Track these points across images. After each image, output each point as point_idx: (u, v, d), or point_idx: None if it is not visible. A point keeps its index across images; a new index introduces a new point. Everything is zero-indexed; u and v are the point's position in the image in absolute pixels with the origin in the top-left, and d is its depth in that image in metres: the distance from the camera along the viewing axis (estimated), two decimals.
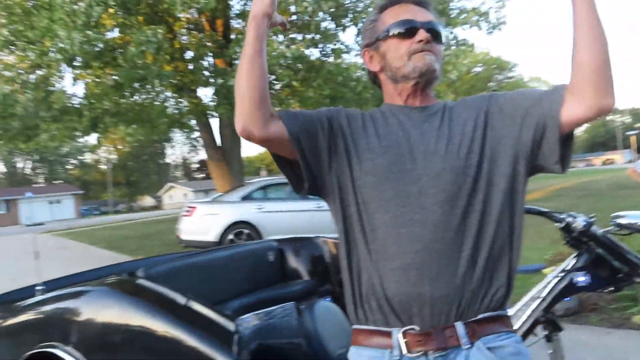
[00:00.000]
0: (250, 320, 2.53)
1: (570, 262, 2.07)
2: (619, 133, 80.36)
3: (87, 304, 2.00)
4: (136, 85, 10.18)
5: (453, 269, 1.03)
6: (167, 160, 73.87)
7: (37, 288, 2.31)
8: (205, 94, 34.06)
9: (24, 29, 8.81)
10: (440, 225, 1.04)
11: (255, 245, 3.03)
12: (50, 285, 2.39)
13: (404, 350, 1.04)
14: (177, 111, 13.32)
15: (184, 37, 11.63)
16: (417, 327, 1.04)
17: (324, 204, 9.55)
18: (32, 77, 9.67)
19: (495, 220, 1.06)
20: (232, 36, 11.36)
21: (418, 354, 1.03)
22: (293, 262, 3.09)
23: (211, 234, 9.10)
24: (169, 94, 12.80)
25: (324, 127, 1.16)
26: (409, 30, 1.16)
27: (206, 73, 10.99)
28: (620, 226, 1.99)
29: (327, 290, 2.94)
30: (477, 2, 14.02)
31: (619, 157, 77.29)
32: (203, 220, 9.27)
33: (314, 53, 11.27)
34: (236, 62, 11.24)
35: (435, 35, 1.17)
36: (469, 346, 1.02)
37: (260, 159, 69.02)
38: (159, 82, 8.98)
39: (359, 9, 11.05)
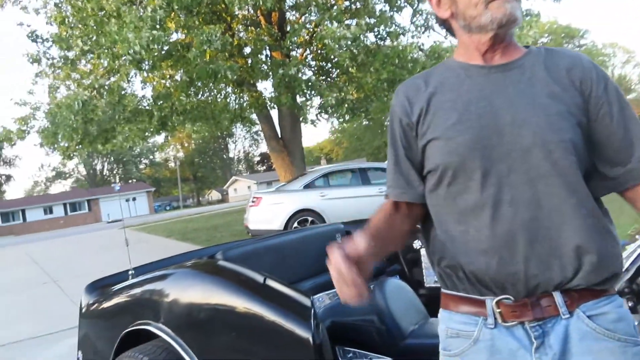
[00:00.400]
0: (322, 300, 2.64)
1: None
2: None
3: (173, 285, 2.17)
4: (199, 83, 10.60)
5: (549, 247, 0.98)
6: (231, 154, 76.01)
7: (130, 272, 2.52)
8: (265, 87, 34.80)
9: (97, 36, 9.39)
10: (531, 205, 0.98)
11: (323, 228, 3.13)
12: (139, 270, 2.61)
13: (499, 320, 1.01)
14: (237, 106, 13.73)
15: (242, 34, 11.91)
16: (511, 298, 1.00)
17: (385, 189, 9.79)
18: (107, 82, 10.28)
19: (583, 199, 1.00)
20: (288, 28, 11.52)
21: (513, 323, 1.00)
22: None
23: (277, 223, 9.36)
24: (229, 89, 13.22)
25: (415, 152, 1.12)
26: None
27: (264, 67, 11.23)
28: None
29: (396, 270, 2.99)
30: None
31: None
32: (269, 209, 9.55)
33: (369, 37, 11.23)
34: (292, 52, 11.42)
35: None
36: (567, 315, 0.98)
37: (320, 148, 69.57)
38: (230, 77, 9.26)
39: None
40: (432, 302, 2.55)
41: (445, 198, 1.07)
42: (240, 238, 11.44)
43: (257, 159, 78.71)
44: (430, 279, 2.87)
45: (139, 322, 2.14)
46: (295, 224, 9.32)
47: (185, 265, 2.29)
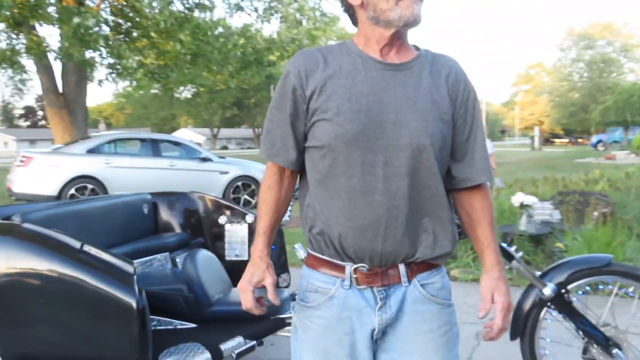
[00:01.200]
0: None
1: None
2: None
3: None
4: None
5: (404, 230, 1.16)
6: None
7: None
8: (50, 33, 30.52)
9: None
10: (398, 195, 1.14)
11: (130, 198, 3.05)
12: None
13: (354, 283, 1.19)
14: (9, 47, 11.75)
15: None
16: (366, 266, 1.18)
17: (177, 163, 9.37)
18: None
19: (438, 193, 1.19)
20: None
21: (364, 287, 1.19)
22: (167, 215, 3.18)
23: (50, 188, 8.41)
24: (1, 26, 11.22)
25: (297, 120, 1.20)
26: None
27: (52, 10, 9.87)
28: None
29: (200, 242, 3.11)
30: None
31: None
32: (41, 172, 8.51)
33: (176, 5, 10.80)
34: (87, 1, 10.29)
35: None
36: (407, 284, 1.19)
37: (99, 111, 63.47)
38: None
39: None
40: (232, 274, 2.77)
41: (325, 175, 1.18)
42: (0, 200, 9.92)
43: (20, 112, 67.86)
44: (230, 252, 3.07)
45: None
46: (72, 191, 8.51)
47: None
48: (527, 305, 2.27)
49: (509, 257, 2.21)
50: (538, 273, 2.27)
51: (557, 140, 48.68)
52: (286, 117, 1.20)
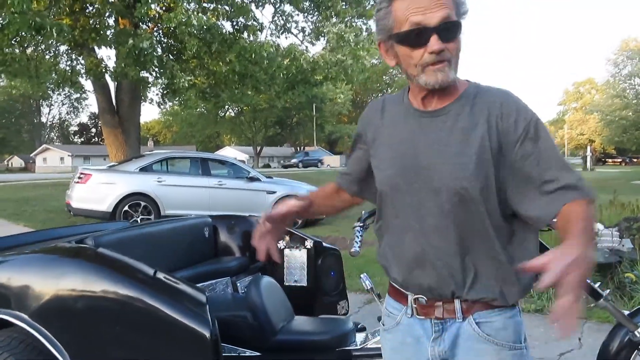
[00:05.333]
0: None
1: None
2: None
3: (40, 271, 1.97)
4: (26, 34, 9.25)
5: (446, 268, 1.19)
6: (43, 119, 67.18)
7: None
8: (108, 55, 31.91)
9: None
10: (434, 235, 1.19)
11: (192, 221, 3.08)
12: None
13: (414, 313, 1.27)
14: (69, 68, 12.35)
15: None
16: (425, 298, 1.25)
17: (225, 182, 9.49)
18: None
19: (481, 234, 1.18)
20: None
21: (423, 317, 1.26)
22: (227, 238, 3.19)
23: (105, 204, 8.68)
24: (63, 49, 11.82)
25: (364, 161, 1.38)
26: (420, 38, 1.13)
27: (109, 33, 10.32)
28: None
29: (259, 267, 3.09)
30: None
31: None
32: (97, 188, 8.79)
33: (226, 27, 11.07)
34: (143, 25, 10.71)
35: (449, 32, 1.13)
36: (461, 320, 1.22)
37: (147, 128, 65.66)
38: (58, 36, 8.24)
39: None
40: (291, 299, 2.74)
41: (381, 213, 1.33)
42: (58, 216, 10.33)
43: (75, 129, 71.17)
44: (290, 277, 3.04)
45: None
46: (126, 208, 8.75)
47: (52, 250, 2.08)
48: (615, 346, 2.12)
49: (595, 294, 2.07)
50: (627, 312, 2.12)
51: (610, 160, 46.71)
52: (355, 153, 1.42)
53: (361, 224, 2.17)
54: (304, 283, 2.94)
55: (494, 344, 1.21)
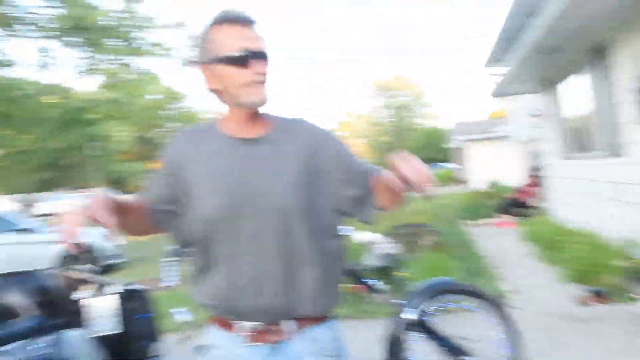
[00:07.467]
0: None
1: None
2: None
3: None
4: None
5: (280, 288, 1.25)
6: None
7: None
8: None
9: None
10: (270, 255, 1.24)
11: None
12: None
13: (247, 341, 1.27)
14: None
15: None
16: (262, 323, 1.27)
17: (26, 238, 8.28)
18: None
19: (309, 253, 1.27)
20: None
21: (260, 343, 1.27)
22: (15, 298, 2.83)
23: None
24: None
25: (168, 194, 1.33)
26: (246, 60, 1.25)
27: None
28: None
29: (62, 324, 2.82)
30: (161, 38, 14.72)
31: None
32: None
33: None
34: None
35: (266, 60, 1.29)
36: (296, 339, 1.28)
37: None
38: None
39: (34, 22, 10.05)
40: (110, 348, 2.56)
41: (202, 247, 1.29)
42: None
43: None
44: (97, 327, 2.83)
45: None
46: None
47: None
48: (393, 331, 2.56)
49: (370, 289, 2.49)
50: (397, 301, 2.58)
51: None
52: (162, 181, 1.35)
53: (175, 258, 2.19)
54: (121, 329, 2.78)
55: (326, 356, 1.31)
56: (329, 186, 1.33)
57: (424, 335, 2.64)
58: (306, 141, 1.33)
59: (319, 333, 1.31)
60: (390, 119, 56.87)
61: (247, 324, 1.28)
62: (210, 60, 1.28)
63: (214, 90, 1.33)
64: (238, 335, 1.29)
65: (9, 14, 9.73)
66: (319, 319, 1.31)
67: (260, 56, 1.27)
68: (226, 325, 1.30)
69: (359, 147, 65.79)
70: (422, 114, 57.27)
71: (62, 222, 1.15)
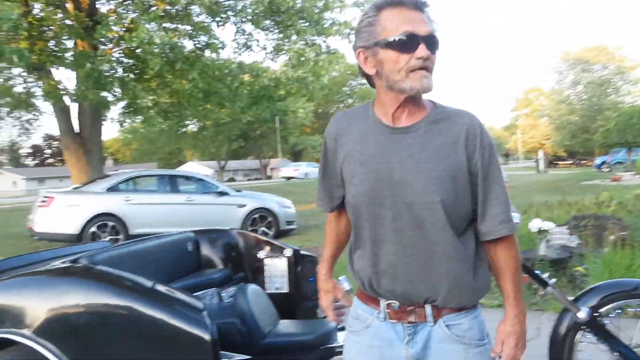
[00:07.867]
0: None
1: None
2: None
3: (41, 291, 2.09)
4: None
5: (417, 276, 1.29)
6: None
7: None
8: (68, 77, 31.31)
9: None
10: (408, 245, 1.28)
11: (176, 237, 3.22)
12: None
13: (387, 317, 1.34)
14: (25, 91, 12.15)
15: (42, 13, 10.63)
16: (397, 303, 1.33)
17: (194, 198, 9.48)
18: None
19: (447, 247, 1.27)
20: (99, 18, 10.72)
21: (395, 321, 1.34)
22: (209, 252, 3.35)
23: (72, 226, 8.59)
24: (16, 71, 11.61)
25: (335, 176, 1.41)
26: (410, 44, 1.22)
27: (67, 55, 10.23)
28: None
29: (242, 277, 3.26)
30: (348, 16, 15.32)
31: None
32: (62, 211, 8.70)
33: (187, 46, 11.17)
34: (102, 46, 10.68)
35: (433, 45, 1.25)
36: (432, 323, 1.32)
37: (106, 147, 63.96)
38: (20, 61, 8.18)
39: (238, 9, 11.24)
40: (275, 306, 2.91)
41: (354, 226, 1.39)
42: (18, 242, 10.08)
43: (27, 151, 68.75)
44: (271, 285, 3.21)
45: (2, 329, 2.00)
46: (94, 229, 8.68)
47: (51, 271, 2.20)
48: (563, 329, 2.40)
49: (543, 283, 2.36)
50: (570, 298, 2.41)
51: (560, 162, 48.81)
52: (327, 170, 1.44)
53: None
54: (286, 290, 3.12)
55: (462, 344, 1.32)
56: (470, 185, 1.31)
57: (595, 338, 2.44)
58: (462, 139, 1.28)
59: (458, 320, 1.33)
60: (581, 97, 50.32)
61: (386, 302, 1.35)
62: (371, 44, 1.26)
63: (368, 75, 1.33)
64: (379, 311, 1.37)
65: (222, 2, 11.07)
66: (462, 308, 1.33)
67: (427, 41, 1.23)
68: (368, 300, 1.39)
69: (539, 128, 60.12)
70: (629, 91, 49.58)
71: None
